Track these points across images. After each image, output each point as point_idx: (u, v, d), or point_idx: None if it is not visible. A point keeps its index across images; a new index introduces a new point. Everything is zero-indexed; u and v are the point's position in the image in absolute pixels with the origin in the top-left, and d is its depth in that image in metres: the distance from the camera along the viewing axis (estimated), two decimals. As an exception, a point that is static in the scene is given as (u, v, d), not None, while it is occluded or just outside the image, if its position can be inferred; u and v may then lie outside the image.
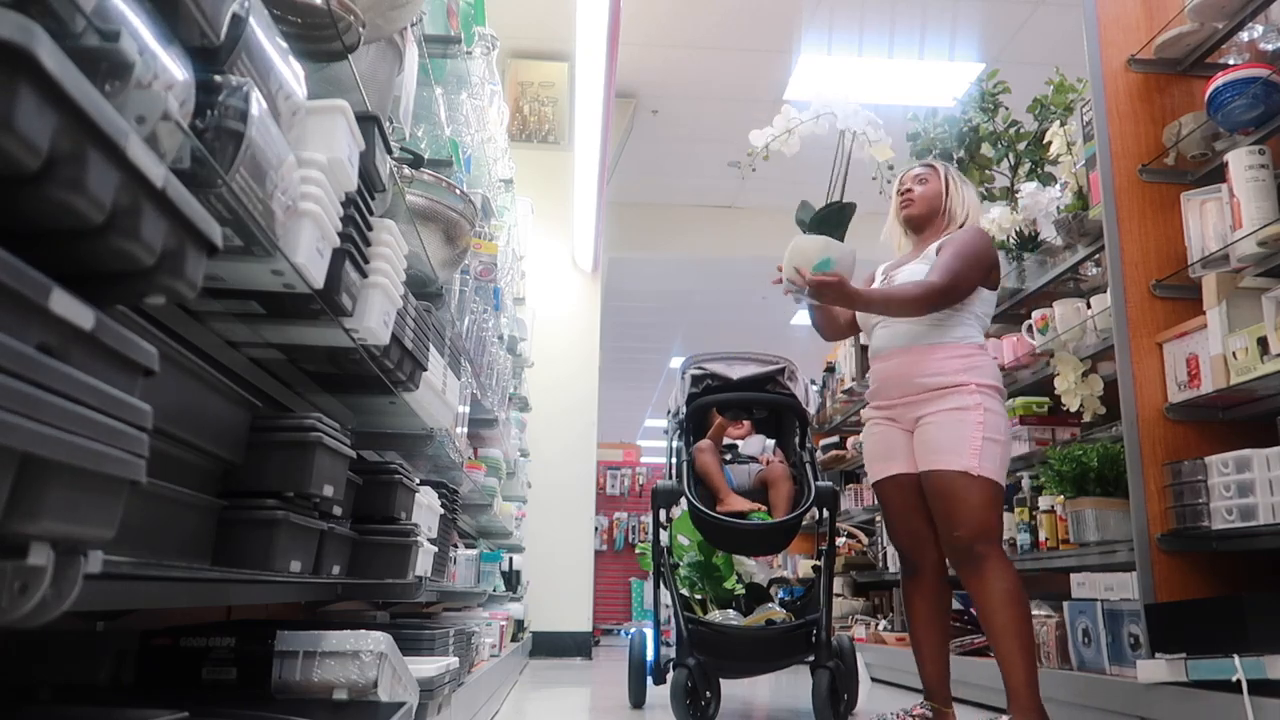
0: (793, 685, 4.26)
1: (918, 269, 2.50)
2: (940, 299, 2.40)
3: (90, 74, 0.50)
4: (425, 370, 1.77)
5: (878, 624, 4.82)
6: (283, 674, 1.38)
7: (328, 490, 1.27)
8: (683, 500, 3.13)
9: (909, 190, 2.64)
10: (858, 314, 2.65)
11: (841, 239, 2.46)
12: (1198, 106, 2.71)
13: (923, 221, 2.63)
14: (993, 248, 2.54)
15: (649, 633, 3.40)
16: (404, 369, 1.63)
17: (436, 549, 2.28)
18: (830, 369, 5.74)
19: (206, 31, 0.79)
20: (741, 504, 3.13)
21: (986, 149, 3.94)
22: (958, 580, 2.40)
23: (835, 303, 2.46)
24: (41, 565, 0.50)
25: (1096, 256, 3.13)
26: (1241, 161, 2.42)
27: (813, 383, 5.45)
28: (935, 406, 2.39)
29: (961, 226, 2.58)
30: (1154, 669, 2.33)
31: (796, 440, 3.34)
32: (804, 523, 3.15)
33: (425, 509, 2.13)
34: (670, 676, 2.87)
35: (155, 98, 0.65)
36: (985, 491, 2.30)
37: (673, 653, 2.97)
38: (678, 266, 8.79)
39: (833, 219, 2.45)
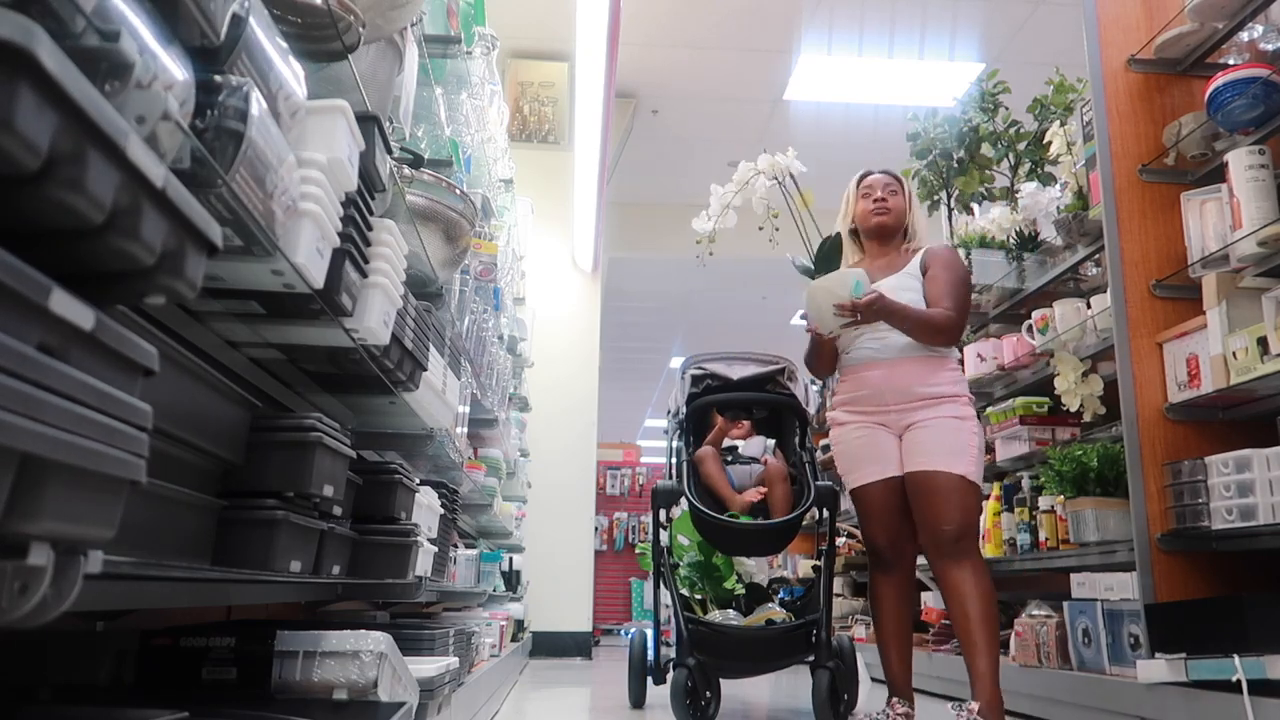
0: (793, 685, 4.26)
1: (903, 283, 2.54)
2: (956, 335, 2.55)
3: (90, 74, 0.50)
4: (425, 370, 1.77)
5: (878, 624, 4.81)
6: (283, 674, 1.38)
7: (328, 490, 1.27)
8: (683, 500, 3.13)
9: (883, 199, 2.66)
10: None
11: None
12: (1198, 106, 2.71)
13: (891, 234, 2.67)
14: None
15: (649, 633, 3.40)
16: (404, 369, 1.63)
17: (436, 549, 2.28)
18: (830, 369, 5.73)
19: (206, 31, 0.79)
20: (751, 495, 3.13)
21: (986, 149, 3.94)
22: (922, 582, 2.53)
23: (878, 317, 2.48)
24: (41, 565, 0.50)
25: (1096, 256, 3.13)
26: (1241, 161, 2.42)
27: (812, 383, 5.44)
28: (932, 413, 2.49)
29: (912, 244, 2.67)
30: (1154, 669, 2.33)
31: (796, 440, 3.34)
32: (804, 523, 3.15)
33: (425, 509, 2.13)
34: (670, 676, 2.87)
35: (155, 98, 0.65)
36: (976, 496, 2.49)
37: (673, 653, 2.97)
38: (678, 266, 8.76)
39: (832, 255, 2.58)
